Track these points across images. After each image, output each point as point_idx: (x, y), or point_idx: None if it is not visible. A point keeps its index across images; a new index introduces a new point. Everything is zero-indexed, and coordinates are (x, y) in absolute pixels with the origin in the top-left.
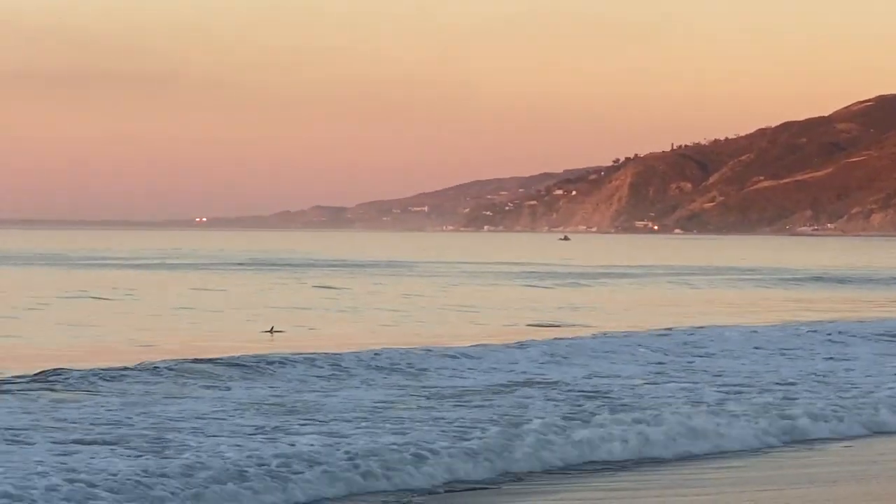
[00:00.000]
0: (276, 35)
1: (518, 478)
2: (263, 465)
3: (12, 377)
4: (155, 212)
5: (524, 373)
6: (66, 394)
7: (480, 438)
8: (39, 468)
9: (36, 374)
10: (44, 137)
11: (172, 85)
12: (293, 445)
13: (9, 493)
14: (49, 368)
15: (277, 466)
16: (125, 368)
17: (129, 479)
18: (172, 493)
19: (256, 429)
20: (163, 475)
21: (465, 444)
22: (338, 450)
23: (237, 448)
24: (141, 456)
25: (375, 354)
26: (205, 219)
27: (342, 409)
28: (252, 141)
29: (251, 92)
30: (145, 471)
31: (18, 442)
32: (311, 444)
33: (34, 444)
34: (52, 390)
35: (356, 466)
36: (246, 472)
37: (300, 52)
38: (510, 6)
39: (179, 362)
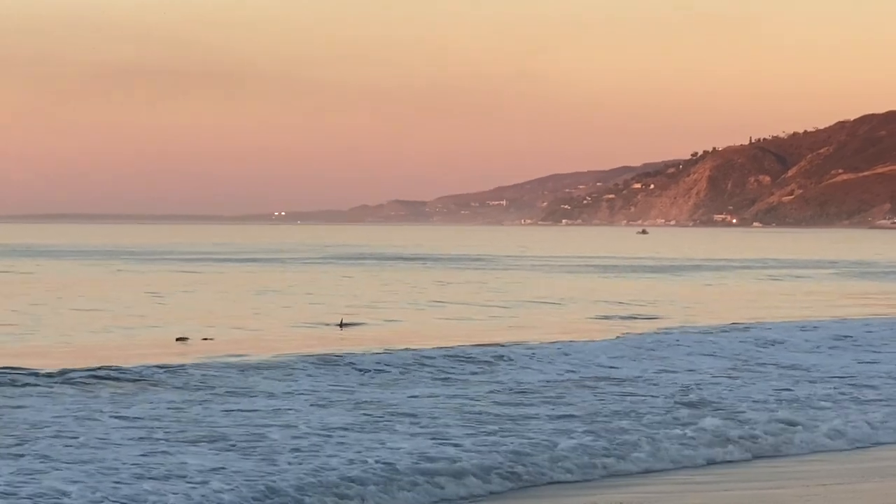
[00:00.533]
0: (353, 28)
1: None
2: None
3: None
4: (233, 206)
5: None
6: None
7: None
8: None
9: None
10: (123, 133)
11: (250, 79)
12: None
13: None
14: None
15: None
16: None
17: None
18: None
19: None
20: None
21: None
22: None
23: None
24: None
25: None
26: (283, 213)
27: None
28: (330, 135)
29: (330, 86)
30: None
31: None
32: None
33: None
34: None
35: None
36: None
37: (379, 45)
38: (593, 2)
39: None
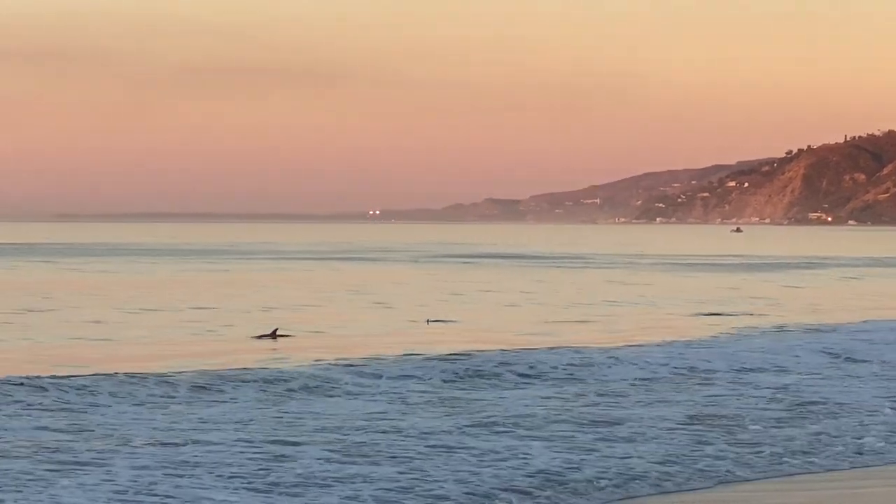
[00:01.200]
0: (447, 26)
1: None
2: None
3: None
4: (327, 205)
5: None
6: None
7: None
8: None
9: None
10: (219, 132)
11: (344, 79)
12: None
13: None
14: None
15: None
16: None
17: None
18: None
19: None
20: None
21: None
22: None
23: None
24: None
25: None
26: (377, 211)
27: None
28: (425, 133)
29: (425, 84)
30: None
31: None
32: None
33: None
34: None
35: None
36: None
37: (474, 43)
38: None
39: None
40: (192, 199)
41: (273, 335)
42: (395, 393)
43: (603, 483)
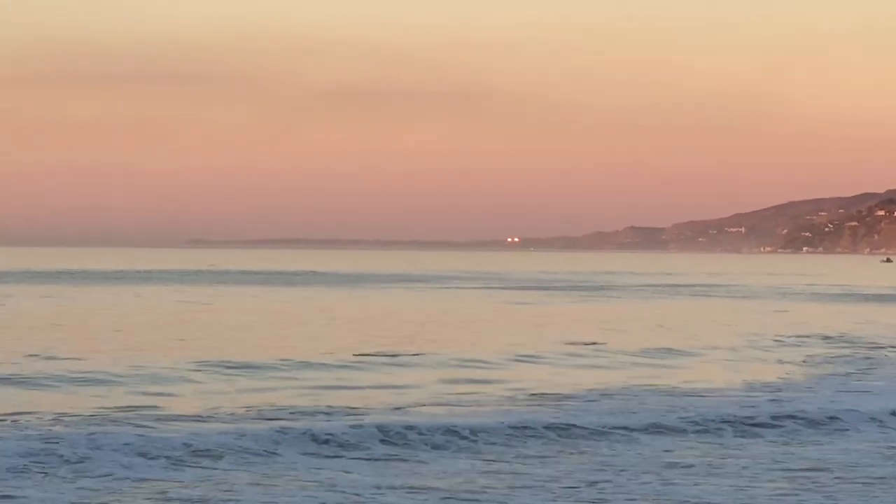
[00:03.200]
0: (588, 51)
1: None
2: None
3: None
4: (465, 232)
5: None
6: None
7: None
8: None
9: None
10: (355, 156)
11: (481, 106)
12: None
13: None
14: None
15: None
16: None
17: None
18: None
19: None
20: None
21: None
22: None
23: None
24: None
25: None
26: (517, 239)
27: None
28: (565, 158)
29: (564, 109)
30: None
31: None
32: None
33: None
34: None
35: None
36: None
37: (614, 67)
38: (835, 20)
39: None
40: (327, 224)
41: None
42: None
43: None
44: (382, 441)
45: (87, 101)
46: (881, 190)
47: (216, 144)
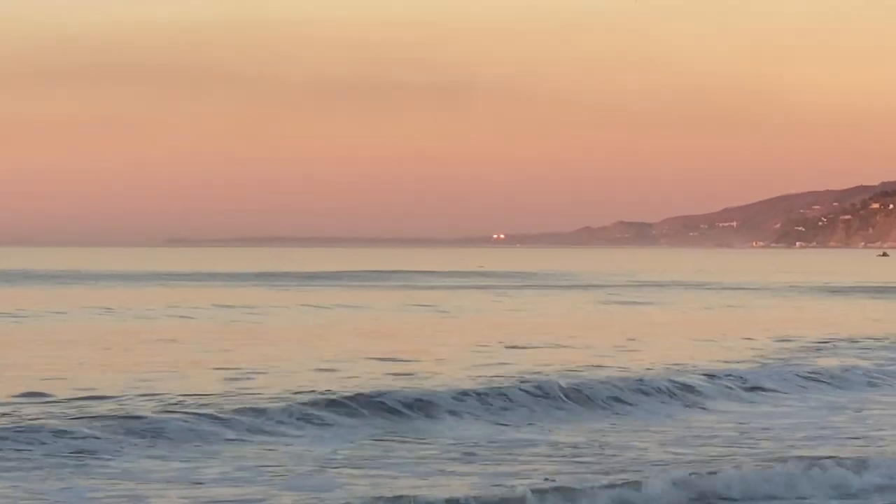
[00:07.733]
0: (578, 44)
1: None
2: None
3: None
4: (450, 228)
5: None
6: None
7: None
8: None
9: None
10: (338, 152)
11: (466, 99)
12: None
13: None
14: None
15: None
16: None
17: None
18: None
19: None
20: None
21: None
22: None
23: None
24: None
25: None
26: (503, 235)
27: None
28: (551, 153)
29: (551, 103)
30: None
31: None
32: None
33: None
34: None
35: None
36: None
37: (603, 61)
38: (828, 14)
39: None
40: (309, 221)
41: None
42: None
43: None
44: None
45: (60, 98)
46: (875, 182)
47: (197, 139)
